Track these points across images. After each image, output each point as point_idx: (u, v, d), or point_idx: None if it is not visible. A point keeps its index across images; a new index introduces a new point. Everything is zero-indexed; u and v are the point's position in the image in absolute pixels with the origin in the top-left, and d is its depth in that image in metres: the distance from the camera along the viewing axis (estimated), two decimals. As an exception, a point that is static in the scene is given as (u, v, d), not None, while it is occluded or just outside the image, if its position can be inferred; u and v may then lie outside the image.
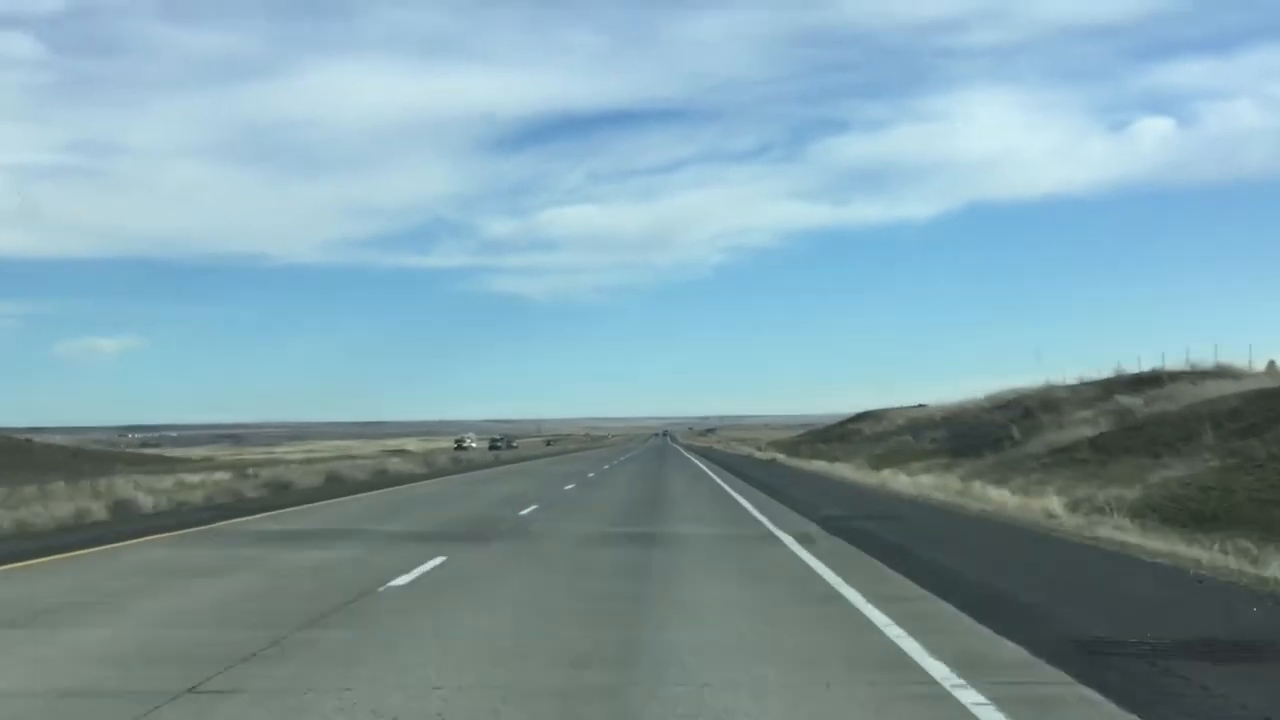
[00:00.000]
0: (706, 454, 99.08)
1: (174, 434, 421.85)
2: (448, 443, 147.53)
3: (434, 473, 57.65)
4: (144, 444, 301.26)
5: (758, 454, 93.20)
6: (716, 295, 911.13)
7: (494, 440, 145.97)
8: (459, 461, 68.26)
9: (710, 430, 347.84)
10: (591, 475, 50.60)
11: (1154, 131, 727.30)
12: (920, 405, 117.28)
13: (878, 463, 69.07)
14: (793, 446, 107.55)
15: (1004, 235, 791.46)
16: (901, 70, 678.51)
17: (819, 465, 63.60)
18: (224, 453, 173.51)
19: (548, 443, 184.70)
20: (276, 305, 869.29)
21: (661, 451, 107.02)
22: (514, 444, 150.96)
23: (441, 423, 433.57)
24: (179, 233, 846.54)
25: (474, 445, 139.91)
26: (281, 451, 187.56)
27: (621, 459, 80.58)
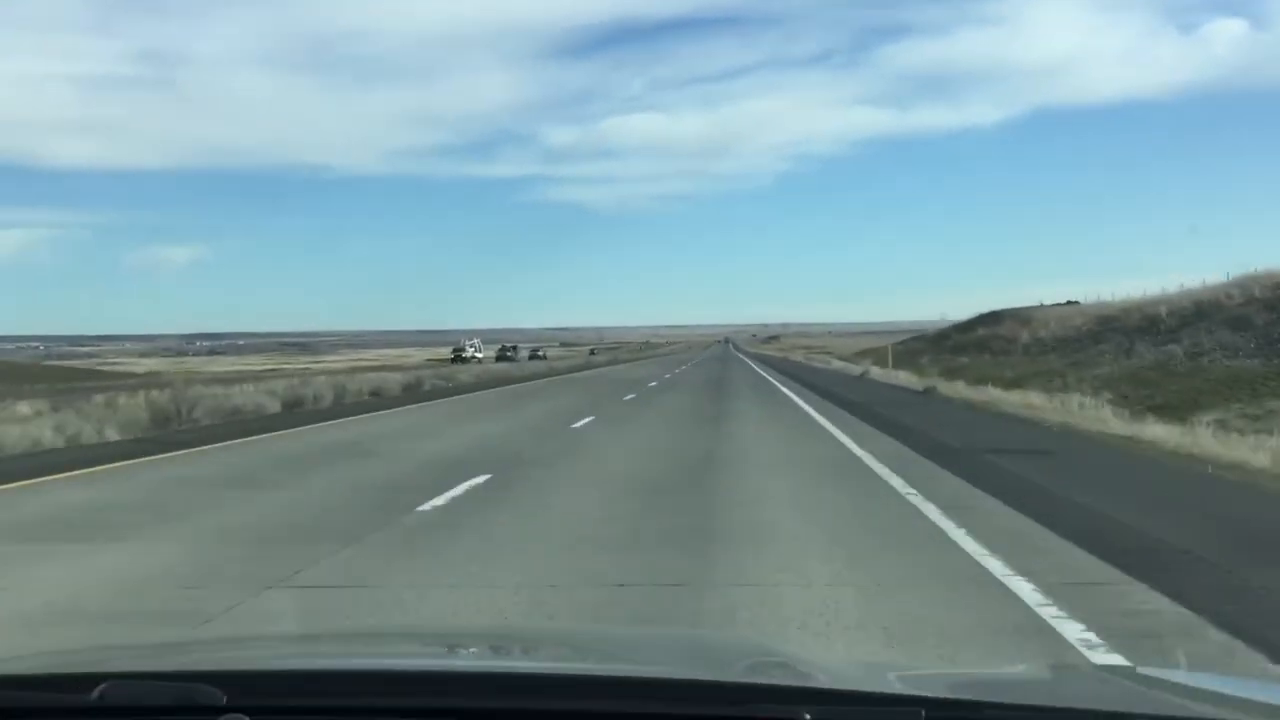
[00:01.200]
0: (794, 374, 62.77)
1: (241, 342, 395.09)
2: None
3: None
4: (212, 351, 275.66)
5: (878, 373, 52.18)
6: (779, 203, 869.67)
7: (503, 348, 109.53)
8: (410, 389, 33.61)
9: (774, 337, 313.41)
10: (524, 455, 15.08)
11: (1226, 33, 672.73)
12: (1071, 302, 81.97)
13: (1177, 406, 32.97)
14: (906, 358, 71.10)
15: (1072, 140, 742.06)
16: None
17: (1059, 420, 27.41)
18: (284, 362, 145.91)
19: (592, 352, 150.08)
20: (341, 215, 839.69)
21: (721, 376, 67.43)
22: (540, 352, 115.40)
23: (505, 330, 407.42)
24: (244, 143, 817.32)
25: (479, 355, 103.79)
26: (330, 360, 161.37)
27: (654, 384, 44.81)
